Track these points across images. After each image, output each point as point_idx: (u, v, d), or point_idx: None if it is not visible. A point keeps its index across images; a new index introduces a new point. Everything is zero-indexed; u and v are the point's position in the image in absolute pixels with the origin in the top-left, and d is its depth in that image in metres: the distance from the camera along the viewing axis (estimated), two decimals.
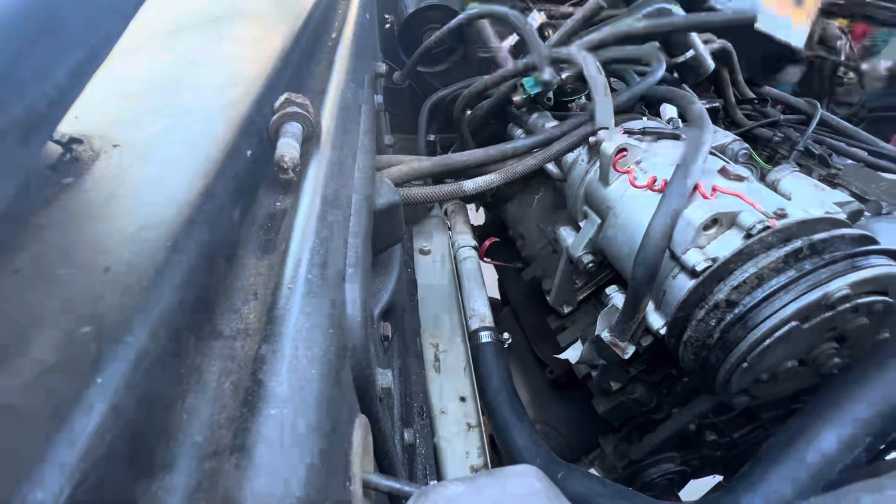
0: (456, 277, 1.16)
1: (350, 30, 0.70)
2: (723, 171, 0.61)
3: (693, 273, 0.54)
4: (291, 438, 0.20)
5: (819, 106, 1.40)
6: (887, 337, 0.55)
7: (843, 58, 1.66)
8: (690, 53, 1.14)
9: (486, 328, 1.00)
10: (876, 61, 1.65)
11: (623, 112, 0.90)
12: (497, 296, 1.47)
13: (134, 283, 0.22)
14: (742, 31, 1.42)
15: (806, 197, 0.57)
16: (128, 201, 0.28)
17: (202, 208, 0.28)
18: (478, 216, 1.64)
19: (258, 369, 0.23)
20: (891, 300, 0.49)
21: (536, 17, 1.44)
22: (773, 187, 0.65)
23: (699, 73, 1.19)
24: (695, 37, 1.13)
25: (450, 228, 1.30)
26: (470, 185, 0.64)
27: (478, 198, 1.33)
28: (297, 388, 0.22)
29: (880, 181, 1.27)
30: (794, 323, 0.47)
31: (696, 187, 0.58)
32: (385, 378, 0.34)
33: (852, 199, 0.58)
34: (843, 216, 0.54)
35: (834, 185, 1.33)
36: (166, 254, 0.24)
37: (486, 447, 0.80)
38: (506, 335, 1.04)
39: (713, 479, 1.12)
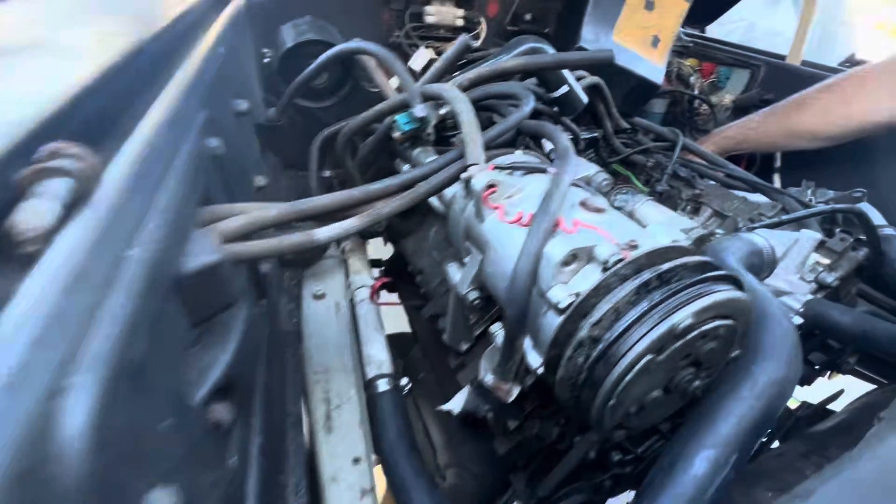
0: (353, 322, 1.09)
1: (193, 66, 0.63)
2: (584, 204, 0.62)
3: (559, 310, 0.53)
4: None
5: (681, 134, 1.57)
6: (739, 353, 0.57)
7: (697, 92, 1.90)
8: (565, 89, 1.21)
9: (382, 376, 0.94)
10: (722, 94, 1.91)
11: (502, 146, 0.92)
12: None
13: None
14: (610, 69, 1.56)
15: (658, 225, 0.60)
16: None
17: None
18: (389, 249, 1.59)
19: None
20: (732, 323, 0.51)
21: (423, 54, 1.47)
22: (632, 216, 0.67)
23: (575, 107, 1.27)
24: (567, 74, 1.21)
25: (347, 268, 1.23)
26: (323, 233, 0.59)
27: (372, 235, 1.28)
28: None
29: (734, 199, 1.43)
30: (649, 356, 0.47)
31: (558, 222, 0.58)
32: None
33: (698, 225, 0.62)
34: (688, 243, 0.56)
35: (699, 205, 1.48)
36: None
37: None
38: (404, 380, 0.98)
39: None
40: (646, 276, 0.48)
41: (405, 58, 1.48)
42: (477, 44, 1.50)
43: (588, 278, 0.53)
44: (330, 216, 0.62)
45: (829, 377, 1.47)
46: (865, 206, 1.38)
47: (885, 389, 1.25)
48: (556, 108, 1.30)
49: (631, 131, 1.64)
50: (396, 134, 0.93)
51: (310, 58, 1.23)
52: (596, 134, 1.56)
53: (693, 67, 1.92)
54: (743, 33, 4.58)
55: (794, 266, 0.89)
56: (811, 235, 0.87)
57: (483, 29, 1.53)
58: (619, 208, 0.84)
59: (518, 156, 0.80)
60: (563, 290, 0.52)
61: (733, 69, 1.93)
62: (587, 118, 1.75)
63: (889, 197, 1.51)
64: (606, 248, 0.52)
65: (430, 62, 1.49)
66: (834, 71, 1.68)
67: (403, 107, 0.83)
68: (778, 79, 1.77)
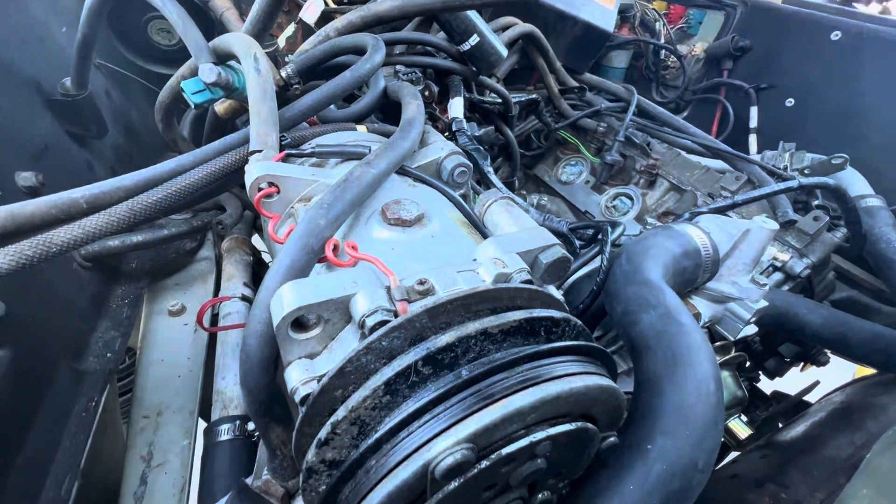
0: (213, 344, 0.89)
1: None
2: (384, 212, 0.40)
3: (300, 402, 0.32)
4: None
5: (635, 91, 1.33)
6: (613, 441, 0.37)
7: (662, 41, 1.63)
8: (475, 40, 0.96)
9: (227, 419, 0.74)
10: (692, 43, 1.64)
11: (353, 119, 0.69)
12: None
13: None
14: (547, 15, 1.29)
15: (503, 237, 0.38)
16: None
17: None
18: None
19: None
20: (575, 427, 0.31)
21: (317, 3, 1.19)
22: (482, 217, 0.45)
23: (491, 62, 1.02)
24: (477, 21, 0.95)
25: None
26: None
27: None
28: None
29: (695, 169, 1.20)
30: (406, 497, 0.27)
31: (332, 246, 0.36)
32: None
33: (555, 240, 0.40)
34: (524, 274, 0.35)
35: (655, 177, 1.25)
36: None
37: None
38: (251, 426, 0.78)
39: None
40: (408, 358, 0.27)
41: (297, 8, 1.21)
42: None
43: (344, 348, 0.32)
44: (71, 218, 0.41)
45: (803, 369, 1.31)
46: (848, 174, 1.16)
47: (856, 386, 1.09)
48: (471, 65, 1.05)
49: (580, 90, 1.39)
50: (220, 108, 0.70)
51: (151, 10, 0.98)
52: (535, 96, 1.31)
53: (659, 12, 1.64)
54: None
55: (743, 265, 0.68)
56: (765, 225, 0.66)
57: None
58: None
59: (346, 136, 0.57)
60: (302, 371, 0.31)
61: (706, 12, 1.65)
62: (535, 77, 1.50)
63: (877, 158, 1.29)
64: (366, 298, 0.31)
65: (328, 13, 1.22)
66: (825, 10, 1.41)
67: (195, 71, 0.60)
68: (756, 21, 1.50)
